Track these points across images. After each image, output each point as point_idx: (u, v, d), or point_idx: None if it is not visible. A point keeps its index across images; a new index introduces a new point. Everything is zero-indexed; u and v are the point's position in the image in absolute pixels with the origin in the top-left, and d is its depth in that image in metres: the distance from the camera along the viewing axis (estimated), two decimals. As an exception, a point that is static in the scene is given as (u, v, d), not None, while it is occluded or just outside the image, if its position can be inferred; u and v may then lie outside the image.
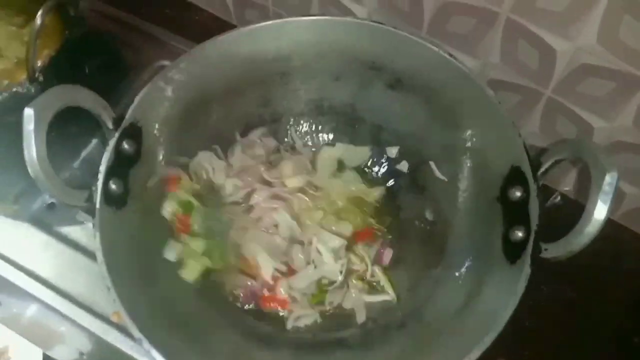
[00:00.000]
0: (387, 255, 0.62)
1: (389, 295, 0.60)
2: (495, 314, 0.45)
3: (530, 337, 0.63)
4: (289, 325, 0.58)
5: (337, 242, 0.59)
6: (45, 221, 0.68)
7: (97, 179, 0.50)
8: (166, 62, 0.76)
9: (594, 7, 0.51)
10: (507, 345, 0.59)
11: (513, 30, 0.59)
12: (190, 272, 0.56)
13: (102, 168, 0.50)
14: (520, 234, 0.49)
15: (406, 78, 0.60)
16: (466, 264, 0.55)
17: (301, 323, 0.59)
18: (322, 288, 0.60)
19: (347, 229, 0.62)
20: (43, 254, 0.66)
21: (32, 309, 0.64)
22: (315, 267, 0.59)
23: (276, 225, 0.61)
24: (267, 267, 0.58)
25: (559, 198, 0.73)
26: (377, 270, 0.61)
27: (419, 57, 0.57)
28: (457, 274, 0.55)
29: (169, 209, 0.57)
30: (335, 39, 0.59)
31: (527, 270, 0.46)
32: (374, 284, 0.61)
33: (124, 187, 0.52)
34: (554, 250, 0.45)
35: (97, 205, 0.49)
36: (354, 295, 0.60)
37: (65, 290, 0.64)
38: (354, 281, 0.61)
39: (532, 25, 0.57)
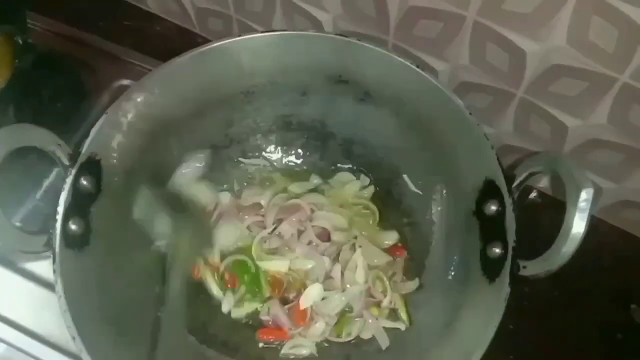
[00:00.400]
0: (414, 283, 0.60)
1: (403, 324, 0.58)
2: (475, 337, 0.44)
3: (514, 340, 0.62)
4: (283, 351, 0.57)
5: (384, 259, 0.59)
6: (9, 258, 0.65)
7: (55, 221, 0.47)
8: (126, 82, 0.74)
9: (562, 8, 0.50)
10: (492, 349, 0.59)
11: (481, 33, 0.58)
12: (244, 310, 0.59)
13: (60, 209, 0.48)
14: (497, 250, 0.48)
15: (374, 91, 0.58)
16: (445, 281, 0.54)
17: (296, 352, 0.57)
18: (345, 315, 0.59)
19: (393, 237, 0.61)
20: (8, 294, 0.64)
21: (1, 349, 0.62)
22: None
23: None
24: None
25: (535, 195, 0.73)
26: (398, 298, 0.59)
27: (386, 69, 0.55)
28: (436, 293, 0.54)
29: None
30: (298, 54, 0.57)
31: (506, 289, 0.45)
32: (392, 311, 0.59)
33: (85, 226, 0.50)
34: (532, 268, 0.44)
35: (57, 250, 0.47)
36: (370, 321, 0.58)
37: (33, 330, 0.61)
38: (371, 310, 0.59)
39: (501, 28, 0.56)
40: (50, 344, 0.61)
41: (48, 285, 0.63)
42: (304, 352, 0.57)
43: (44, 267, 0.64)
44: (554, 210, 0.71)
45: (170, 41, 0.84)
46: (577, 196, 0.40)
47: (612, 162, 0.64)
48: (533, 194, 0.73)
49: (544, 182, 0.72)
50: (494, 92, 0.64)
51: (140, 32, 0.83)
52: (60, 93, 0.71)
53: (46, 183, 0.70)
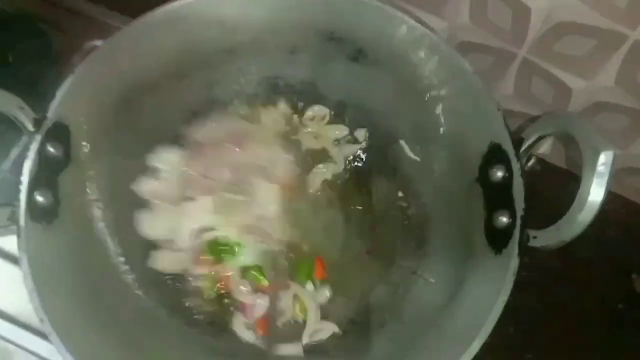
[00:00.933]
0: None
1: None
2: (483, 311, 0.41)
3: (515, 312, 0.59)
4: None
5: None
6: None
7: (19, 192, 0.43)
8: (100, 42, 0.67)
9: (572, -44, 0.47)
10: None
11: (483, -12, 0.54)
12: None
13: (24, 179, 0.43)
14: (504, 220, 0.45)
15: (369, 49, 0.54)
16: (446, 254, 0.51)
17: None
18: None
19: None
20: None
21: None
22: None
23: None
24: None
25: (533, 160, 0.70)
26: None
27: (381, 25, 0.51)
28: (436, 263, 0.51)
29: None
30: (286, 7, 0.52)
31: (514, 261, 0.42)
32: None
33: (53, 197, 0.45)
34: (543, 239, 0.41)
35: (22, 224, 0.42)
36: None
37: (2, 310, 0.57)
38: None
39: (503, -18, 0.52)
40: (20, 324, 0.57)
41: (15, 261, 0.59)
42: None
43: (10, 242, 0.60)
44: (556, 178, 0.71)
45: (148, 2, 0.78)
46: (595, 159, 0.37)
47: (617, 126, 0.61)
48: (531, 161, 0.70)
49: (544, 148, 0.69)
50: (495, 53, 0.60)
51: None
52: (28, 56, 0.65)
53: (15, 153, 0.64)
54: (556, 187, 0.64)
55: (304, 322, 0.54)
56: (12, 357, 0.57)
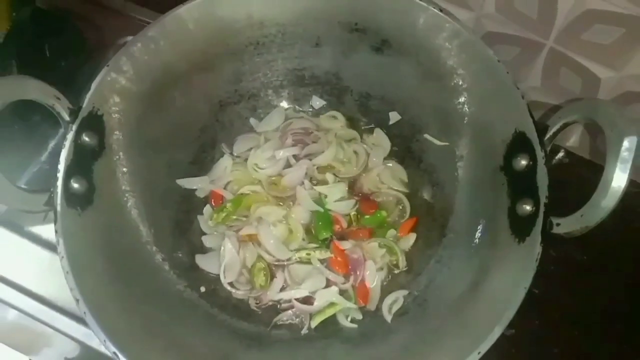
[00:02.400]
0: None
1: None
2: (505, 299, 0.41)
3: (540, 305, 0.60)
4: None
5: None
6: (16, 222, 0.63)
7: (56, 179, 0.45)
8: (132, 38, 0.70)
9: (601, -58, 0.46)
10: (516, 315, 0.56)
11: (508, -24, 0.54)
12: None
13: (61, 166, 0.45)
14: (528, 208, 0.45)
15: (393, 39, 0.54)
16: (470, 243, 0.51)
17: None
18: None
19: None
20: (15, 258, 0.62)
21: (12, 314, 0.60)
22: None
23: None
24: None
25: (563, 155, 0.70)
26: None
27: (405, 15, 0.51)
28: (460, 252, 0.51)
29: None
30: (311, 0, 0.53)
31: (537, 249, 0.42)
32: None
33: (88, 184, 0.48)
34: (567, 226, 0.41)
35: (58, 208, 0.44)
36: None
37: (41, 295, 0.60)
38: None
39: (530, -31, 0.52)
40: (57, 308, 0.59)
41: (55, 249, 0.62)
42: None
43: (51, 231, 0.63)
44: (584, 170, 0.70)
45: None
46: (619, 145, 0.37)
47: (647, 116, 0.60)
48: (560, 154, 0.69)
49: (571, 141, 0.68)
50: (522, 43, 0.60)
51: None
52: (63, 50, 0.68)
53: (51, 144, 0.67)
54: (584, 178, 0.63)
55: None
56: (50, 340, 0.60)
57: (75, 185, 0.46)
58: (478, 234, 0.51)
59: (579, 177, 0.65)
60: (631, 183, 0.65)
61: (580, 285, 0.62)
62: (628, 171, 0.37)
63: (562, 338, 0.60)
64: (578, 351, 0.60)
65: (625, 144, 0.37)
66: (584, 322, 0.61)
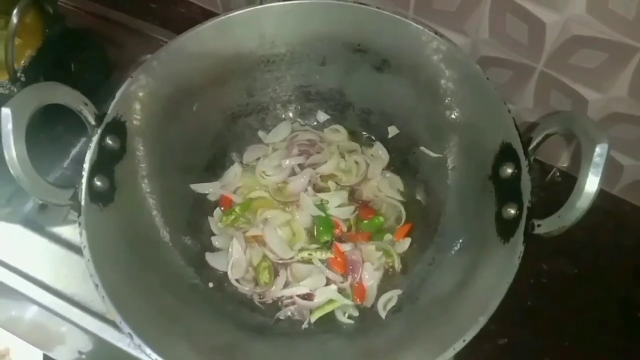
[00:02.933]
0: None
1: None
2: (490, 293, 0.44)
3: (532, 316, 0.63)
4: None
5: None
6: (37, 222, 0.68)
7: (81, 176, 0.49)
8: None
9: (580, -24, 0.50)
10: (508, 325, 0.59)
11: (500, 5, 0.58)
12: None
13: (86, 165, 0.50)
14: (512, 211, 0.48)
15: (392, 59, 0.59)
16: (460, 245, 0.55)
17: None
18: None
19: None
20: (36, 255, 0.66)
21: (31, 311, 0.64)
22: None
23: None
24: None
25: (557, 174, 0.72)
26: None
27: (404, 37, 0.56)
28: (450, 254, 0.54)
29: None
30: (318, 22, 0.58)
31: (520, 247, 0.45)
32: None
33: (109, 183, 0.52)
34: (546, 226, 0.44)
35: (82, 203, 0.49)
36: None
37: (60, 291, 0.64)
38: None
39: (519, -1, 0.56)
40: (75, 304, 0.63)
41: (74, 248, 0.66)
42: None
43: (70, 232, 0.67)
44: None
45: (195, 22, 0.85)
46: (592, 151, 0.40)
47: (633, 137, 0.63)
48: (555, 174, 0.72)
49: (563, 161, 0.71)
50: (514, 66, 0.64)
51: (165, 15, 0.85)
52: (88, 66, 0.73)
53: (73, 152, 0.72)
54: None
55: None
56: (65, 336, 0.63)
57: (98, 184, 0.50)
58: (467, 238, 0.54)
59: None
60: (623, 202, 0.69)
61: (572, 297, 0.64)
62: (600, 175, 0.40)
63: (553, 348, 0.62)
64: (568, 361, 0.62)
65: (597, 150, 0.40)
66: (576, 333, 0.62)
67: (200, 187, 0.64)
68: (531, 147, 0.48)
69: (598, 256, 0.66)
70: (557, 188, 0.71)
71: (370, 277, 0.58)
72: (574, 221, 0.42)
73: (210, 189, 0.64)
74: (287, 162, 0.64)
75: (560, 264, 0.66)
